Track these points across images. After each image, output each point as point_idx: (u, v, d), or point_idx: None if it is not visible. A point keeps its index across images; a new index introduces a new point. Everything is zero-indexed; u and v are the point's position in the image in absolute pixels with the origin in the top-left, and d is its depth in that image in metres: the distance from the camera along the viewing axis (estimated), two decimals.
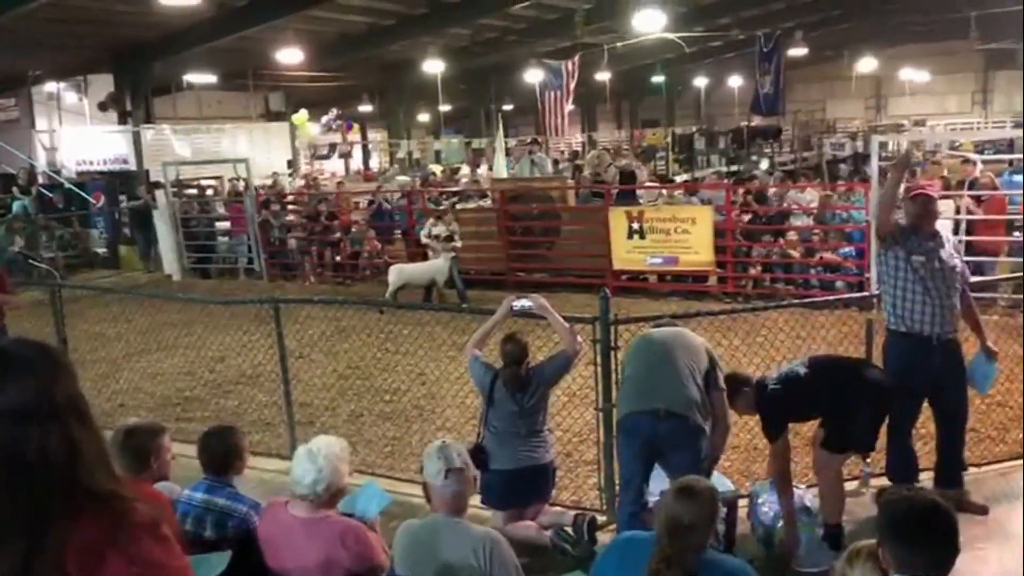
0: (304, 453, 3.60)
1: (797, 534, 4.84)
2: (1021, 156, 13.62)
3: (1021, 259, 10.57)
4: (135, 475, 3.67)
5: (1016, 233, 10.97)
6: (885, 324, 5.46)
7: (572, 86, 20.53)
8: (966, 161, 12.08)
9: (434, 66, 23.65)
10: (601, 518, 5.36)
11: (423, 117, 34.14)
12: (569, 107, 22.08)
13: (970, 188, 11.23)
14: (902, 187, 5.53)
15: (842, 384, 4.93)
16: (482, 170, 21.54)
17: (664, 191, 14.65)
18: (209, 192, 18.73)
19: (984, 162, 13.49)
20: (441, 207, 13.21)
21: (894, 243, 5.23)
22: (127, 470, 3.64)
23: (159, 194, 16.69)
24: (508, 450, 4.75)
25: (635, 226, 12.69)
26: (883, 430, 5.17)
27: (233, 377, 9.18)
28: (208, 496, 3.87)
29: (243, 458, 4.08)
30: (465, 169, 23.51)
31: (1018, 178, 12.48)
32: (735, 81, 36.22)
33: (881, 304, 5.58)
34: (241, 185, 16.50)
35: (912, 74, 36.64)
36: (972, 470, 5.83)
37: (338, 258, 15.85)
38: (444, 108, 28.64)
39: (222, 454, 3.97)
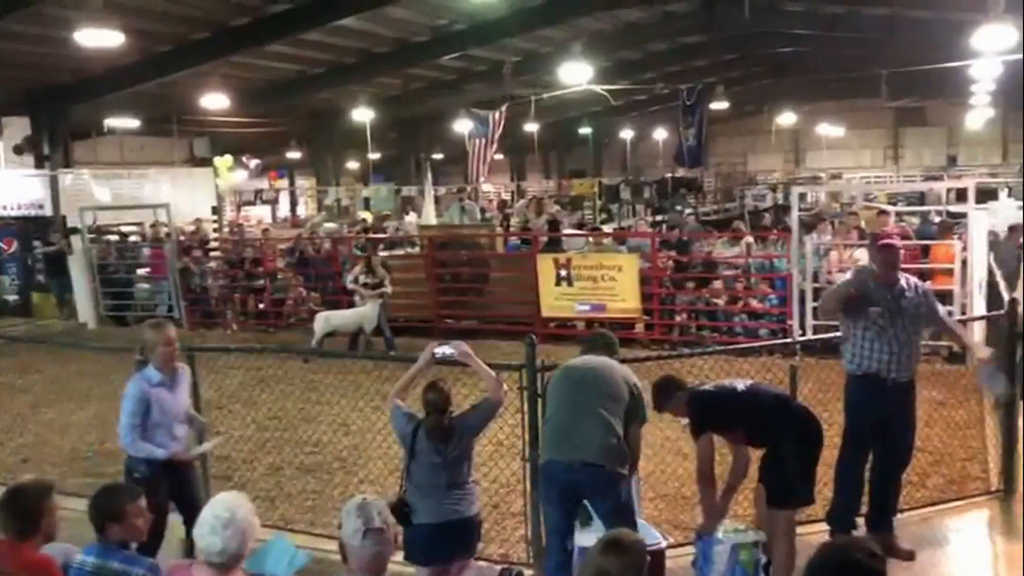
0: (210, 517, 3.33)
1: (714, 531, 4.98)
2: (932, 208, 14.17)
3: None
4: (21, 538, 3.43)
5: (928, 281, 11.31)
6: (844, 368, 5.61)
7: (498, 135, 20.70)
8: (882, 212, 12.48)
9: (364, 114, 23.63)
10: (529, 572, 5.24)
11: (352, 164, 34.01)
12: (495, 155, 22.23)
13: None
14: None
15: (769, 409, 5.09)
16: (411, 217, 21.48)
17: (591, 239, 14.78)
18: (132, 238, 18.23)
19: (897, 214, 13.97)
20: (367, 254, 13.02)
21: (831, 316, 5.60)
22: (12, 533, 3.40)
23: (75, 239, 16.17)
24: (431, 503, 4.60)
25: (563, 273, 12.74)
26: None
27: None
28: (100, 560, 3.59)
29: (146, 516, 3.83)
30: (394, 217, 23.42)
31: (930, 229, 12.95)
32: (660, 133, 37.09)
33: (800, 350, 5.68)
34: (163, 231, 16.09)
35: (828, 129, 38.07)
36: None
37: (261, 305, 15.51)
38: (374, 155, 28.58)
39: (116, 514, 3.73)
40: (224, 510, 3.27)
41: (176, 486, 5.22)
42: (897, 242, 5.82)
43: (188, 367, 5.69)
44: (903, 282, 5.50)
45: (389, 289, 12.52)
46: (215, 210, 22.14)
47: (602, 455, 4.59)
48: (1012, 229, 10.98)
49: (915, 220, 13.87)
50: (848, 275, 5.87)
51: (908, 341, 5.38)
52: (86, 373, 10.07)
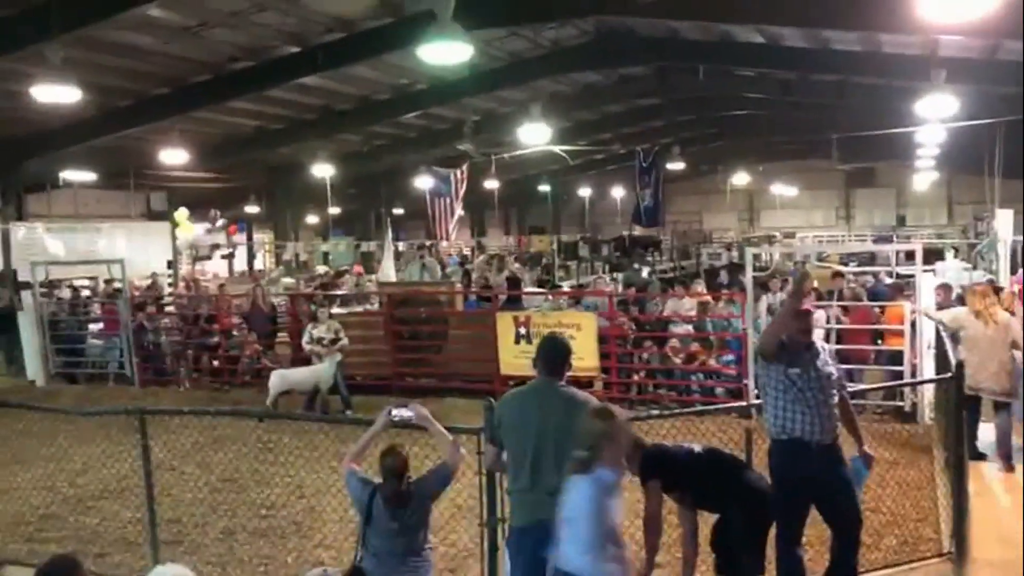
0: None
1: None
2: (882, 269, 14.49)
3: (888, 367, 11.11)
4: None
5: (879, 341, 11.54)
6: (767, 433, 5.59)
7: (461, 193, 20.90)
8: (837, 274, 12.69)
9: (324, 169, 23.65)
10: None
11: (312, 219, 33.95)
12: (459, 213, 22.40)
13: (839, 298, 11.80)
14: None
15: (723, 475, 5.21)
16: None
17: (550, 297, 14.86)
18: (84, 293, 17.92)
19: (850, 273, 14.27)
20: (319, 309, 12.89)
21: (775, 360, 5.43)
22: None
23: (25, 295, 15.85)
24: (386, 571, 4.53)
25: (522, 331, 12.75)
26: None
27: (96, 492, 8.60)
28: None
29: None
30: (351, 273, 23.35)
31: (882, 289, 13.23)
32: (618, 192, 37.65)
33: (761, 413, 5.72)
34: (116, 285, 15.86)
35: (782, 189, 38.90)
36: None
37: (216, 363, 15.27)
38: (333, 210, 28.58)
39: None
40: None
41: None
42: (812, 309, 5.94)
43: None
44: (818, 346, 5.61)
45: (346, 341, 12.39)
46: (171, 264, 21.93)
47: None
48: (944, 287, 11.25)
49: (869, 280, 14.16)
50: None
51: (826, 402, 5.41)
52: (32, 433, 9.80)
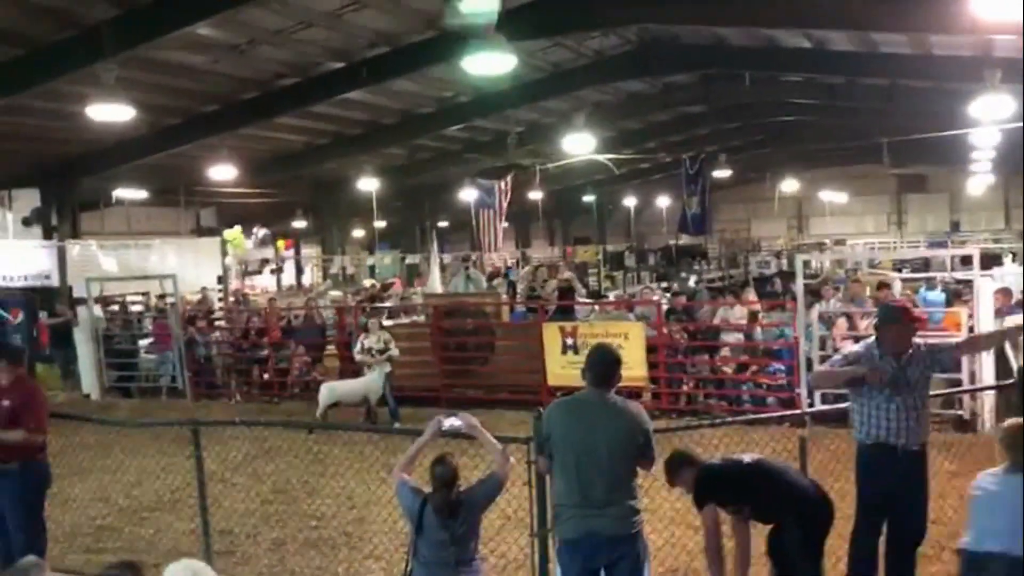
0: None
1: None
2: (937, 274, 14.17)
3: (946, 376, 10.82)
4: None
5: None
6: (854, 437, 5.54)
7: (505, 204, 20.91)
8: (883, 285, 12.37)
9: (369, 183, 23.89)
10: None
11: (358, 232, 34.28)
12: (503, 224, 22.42)
13: None
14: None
15: (778, 484, 5.13)
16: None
17: (597, 307, 14.76)
18: (135, 308, 18.25)
19: (902, 280, 13.96)
20: (370, 320, 12.96)
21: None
22: None
23: (81, 310, 16.19)
24: None
25: (569, 341, 12.68)
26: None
27: (150, 503, 8.70)
28: None
29: None
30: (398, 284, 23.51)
31: (932, 295, 12.94)
32: (663, 201, 37.39)
33: (809, 420, 5.65)
34: (169, 300, 16.13)
35: (831, 196, 38.30)
36: None
37: (266, 375, 15.43)
38: (379, 224, 28.83)
39: None
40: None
41: None
42: (915, 317, 5.75)
43: None
44: (912, 349, 5.47)
45: (396, 351, 12.41)
46: (220, 279, 22.25)
47: (624, 522, 4.60)
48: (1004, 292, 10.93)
49: (921, 287, 13.85)
50: (855, 347, 5.81)
51: (916, 406, 5.33)
52: (88, 445, 9.95)
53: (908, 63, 16.03)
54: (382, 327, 12.92)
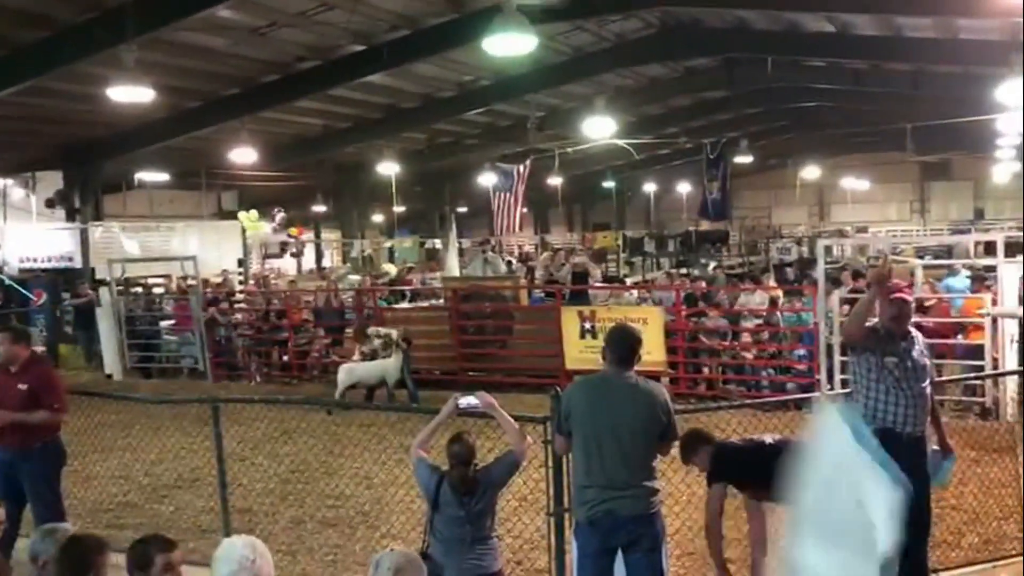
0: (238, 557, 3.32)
1: None
2: (960, 261, 14.01)
3: (968, 361, 10.73)
4: None
5: (960, 336, 11.15)
6: None
7: (523, 189, 20.85)
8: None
9: (389, 168, 23.90)
10: None
11: (377, 217, 34.36)
12: (521, 209, 22.36)
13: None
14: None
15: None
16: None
17: (612, 292, 14.73)
18: (156, 290, 18.40)
19: (924, 267, 13.80)
20: (367, 330, 13.12)
21: (864, 349, 5.30)
22: None
23: (103, 291, 16.34)
24: (454, 558, 4.52)
25: (587, 326, 12.66)
26: None
27: (170, 481, 8.78)
28: None
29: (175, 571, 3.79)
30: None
31: (954, 282, 12.80)
32: (683, 187, 37.19)
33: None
34: (190, 283, 16.24)
35: (853, 183, 37.95)
36: None
37: (285, 357, 15.53)
38: (399, 208, 28.88)
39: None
40: (246, 555, 3.27)
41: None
42: (908, 295, 5.72)
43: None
44: (913, 334, 5.44)
45: (394, 333, 12.47)
46: (241, 262, 22.39)
47: (644, 503, 4.57)
48: None
49: (943, 273, 13.71)
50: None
51: (921, 393, 5.28)
52: (110, 424, 10.05)
53: (933, 48, 15.82)
54: (377, 334, 12.96)
